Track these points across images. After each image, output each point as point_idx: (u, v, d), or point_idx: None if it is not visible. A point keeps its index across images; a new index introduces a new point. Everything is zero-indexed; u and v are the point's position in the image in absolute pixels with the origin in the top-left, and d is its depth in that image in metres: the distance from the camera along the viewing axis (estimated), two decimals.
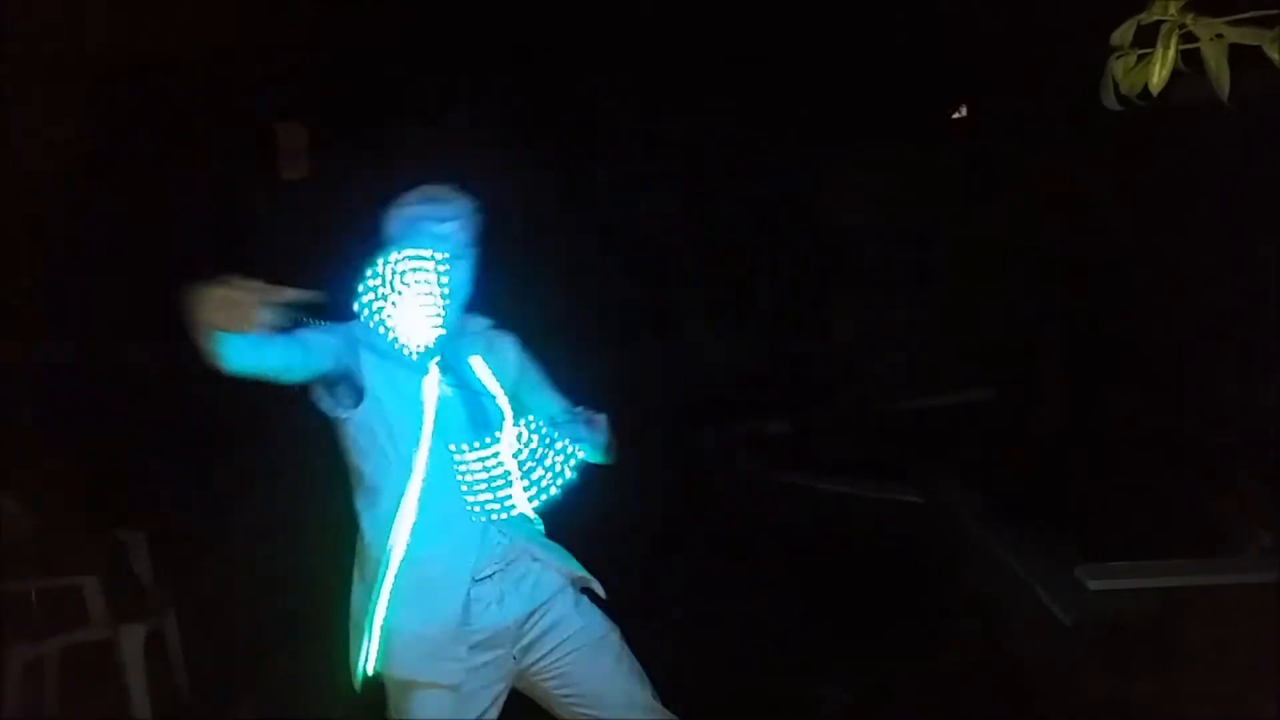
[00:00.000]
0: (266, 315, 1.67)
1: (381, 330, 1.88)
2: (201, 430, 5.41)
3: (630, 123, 6.49)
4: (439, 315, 1.89)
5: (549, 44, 6.21)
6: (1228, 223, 4.28)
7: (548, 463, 1.84)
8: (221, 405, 5.65)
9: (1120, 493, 4.20)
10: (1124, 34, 1.29)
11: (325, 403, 1.91)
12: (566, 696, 2.01)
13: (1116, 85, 1.32)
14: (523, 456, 1.85)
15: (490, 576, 1.95)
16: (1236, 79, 1.25)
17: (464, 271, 1.95)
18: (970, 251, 6.78)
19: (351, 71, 6.05)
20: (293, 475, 5.25)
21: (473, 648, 1.93)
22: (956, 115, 6.95)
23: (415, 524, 1.88)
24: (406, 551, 1.89)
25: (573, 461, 1.86)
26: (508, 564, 1.98)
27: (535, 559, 2.01)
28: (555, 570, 2.03)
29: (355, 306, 1.90)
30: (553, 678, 2.01)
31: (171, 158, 5.54)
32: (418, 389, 1.90)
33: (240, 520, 4.95)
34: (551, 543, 2.08)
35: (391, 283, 1.86)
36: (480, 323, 2.11)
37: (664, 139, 6.58)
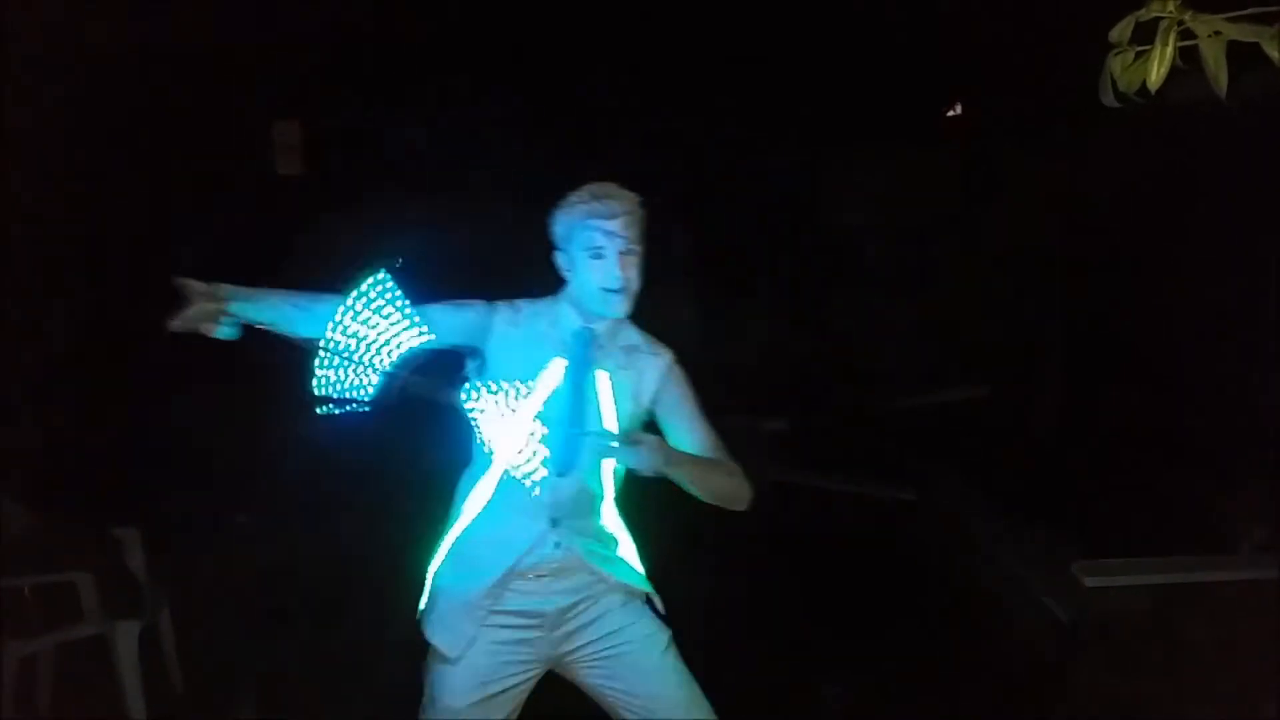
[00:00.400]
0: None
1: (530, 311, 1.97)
2: (197, 427, 5.40)
3: (628, 121, 6.48)
4: (620, 294, 1.93)
5: (549, 42, 6.21)
6: (1227, 221, 4.27)
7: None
8: (220, 402, 5.67)
9: (1117, 490, 4.20)
10: (1122, 31, 1.28)
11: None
12: (611, 692, 2.04)
13: (1115, 82, 1.31)
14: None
15: (536, 577, 1.99)
16: (1235, 76, 1.25)
17: (634, 267, 1.96)
18: (969, 250, 6.78)
19: (349, 69, 6.04)
20: (292, 473, 5.26)
21: (490, 625, 1.97)
22: (952, 113, 6.95)
23: (493, 500, 1.95)
24: (475, 520, 1.97)
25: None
26: (559, 572, 2.00)
27: (592, 574, 2.03)
28: (612, 584, 2.06)
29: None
30: (596, 670, 2.04)
31: (168, 155, 5.54)
32: (531, 368, 1.93)
33: (235, 517, 4.96)
34: (618, 559, 2.09)
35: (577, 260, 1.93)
36: (632, 336, 2.07)
37: (662, 137, 6.57)
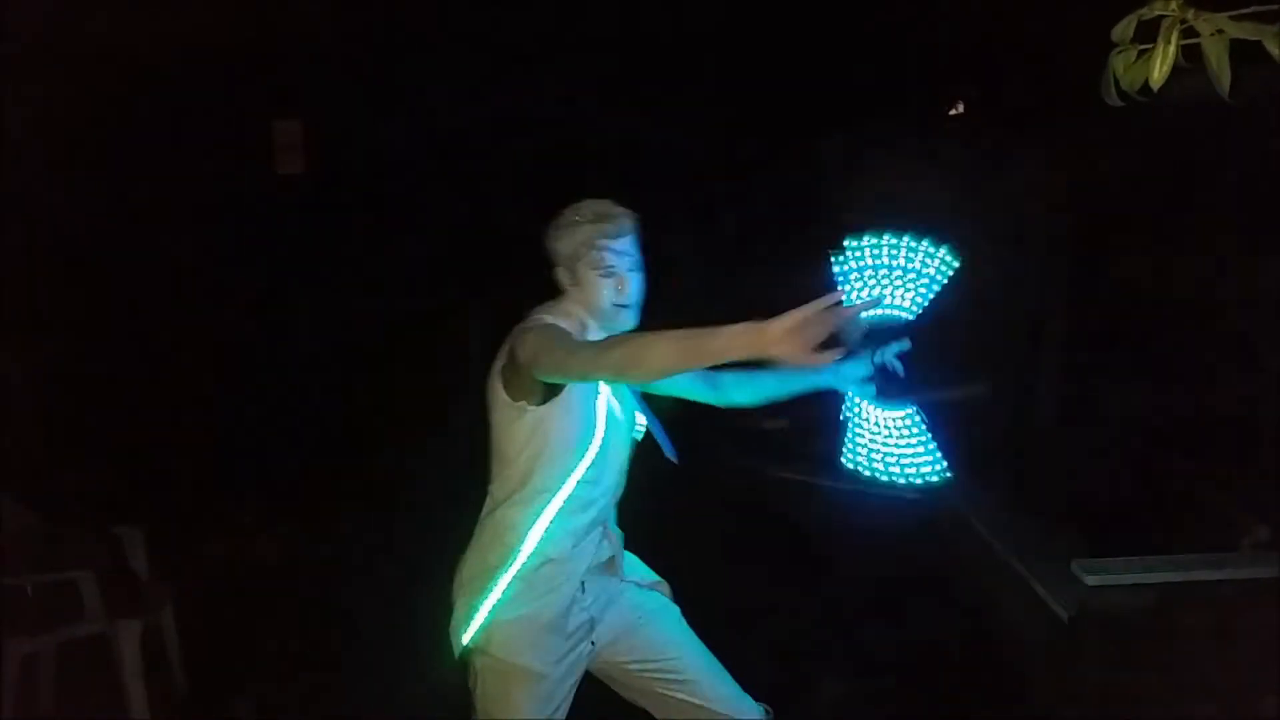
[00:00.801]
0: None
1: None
2: (199, 425, 5.41)
3: (626, 120, 6.49)
4: (632, 309, 2.00)
5: (548, 42, 6.21)
6: (1229, 219, 4.28)
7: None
8: (219, 401, 5.68)
9: (1117, 488, 4.20)
10: (1125, 29, 1.29)
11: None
12: (638, 668, 2.12)
13: (1117, 81, 1.32)
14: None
15: (586, 585, 2.05)
16: (1237, 74, 1.25)
17: (639, 284, 2.02)
18: (968, 246, 6.78)
19: (348, 68, 6.04)
20: (291, 472, 5.27)
21: (566, 639, 2.02)
22: (954, 111, 6.95)
23: (554, 525, 1.96)
24: (539, 547, 1.96)
25: None
26: (599, 571, 2.08)
27: (614, 566, 2.13)
28: (627, 578, 2.16)
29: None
30: (620, 650, 2.11)
31: (168, 153, 5.54)
32: (593, 392, 1.98)
33: (238, 515, 4.96)
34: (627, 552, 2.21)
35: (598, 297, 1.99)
36: None
37: (662, 136, 6.58)
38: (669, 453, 2.08)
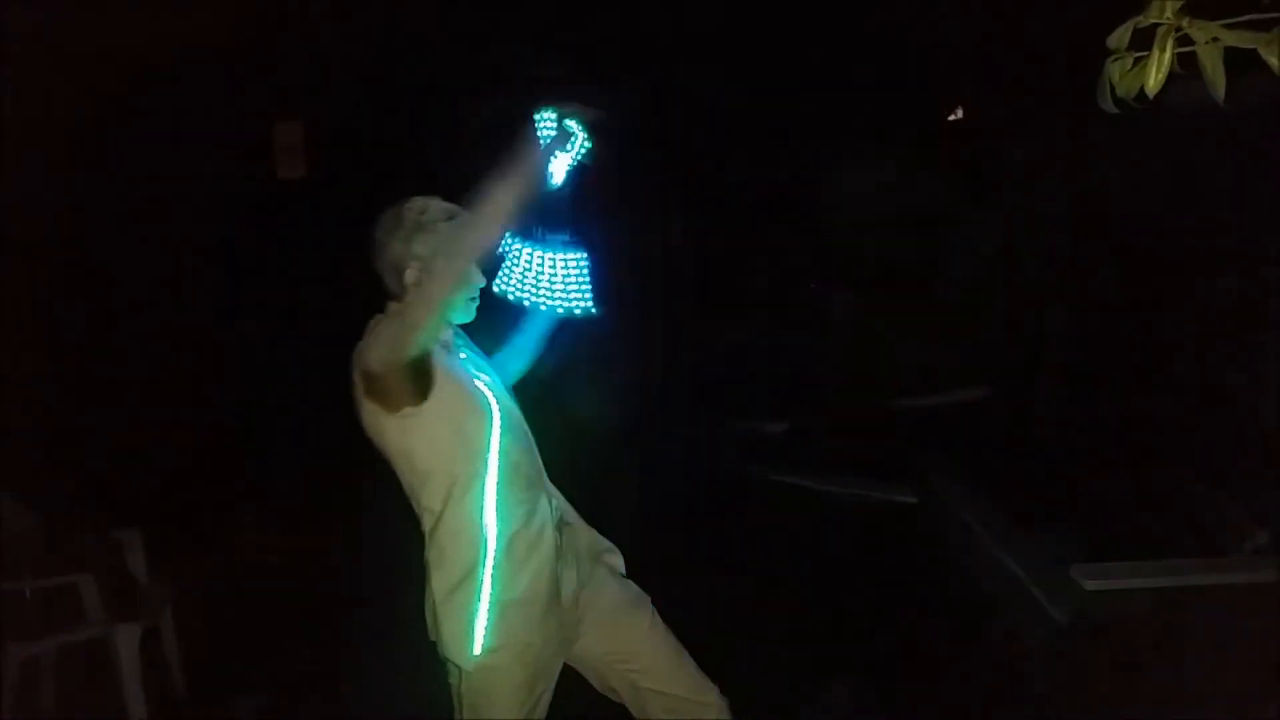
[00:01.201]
0: None
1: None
2: (199, 428, 5.41)
3: (625, 119, 6.49)
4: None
5: (546, 43, 6.21)
6: (1226, 223, 4.28)
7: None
8: (219, 403, 5.68)
9: (1116, 493, 4.20)
10: (1120, 37, 1.29)
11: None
12: (612, 659, 2.16)
13: (1113, 88, 1.32)
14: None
15: (560, 537, 2.07)
16: (1233, 81, 1.25)
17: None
18: (969, 250, 6.79)
19: (349, 70, 6.05)
20: (291, 475, 5.27)
21: (563, 611, 2.05)
22: (953, 117, 6.96)
23: (500, 500, 1.96)
24: (499, 527, 1.95)
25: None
26: (565, 529, 2.10)
27: (569, 523, 2.14)
28: (584, 540, 2.17)
29: None
30: (598, 640, 2.14)
31: (169, 155, 5.55)
32: (468, 373, 2.00)
33: (237, 518, 4.96)
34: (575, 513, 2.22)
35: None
36: None
37: (661, 135, 6.58)
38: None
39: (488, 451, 1.94)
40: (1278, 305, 4.00)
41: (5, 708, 2.96)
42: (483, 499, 1.94)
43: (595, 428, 5.07)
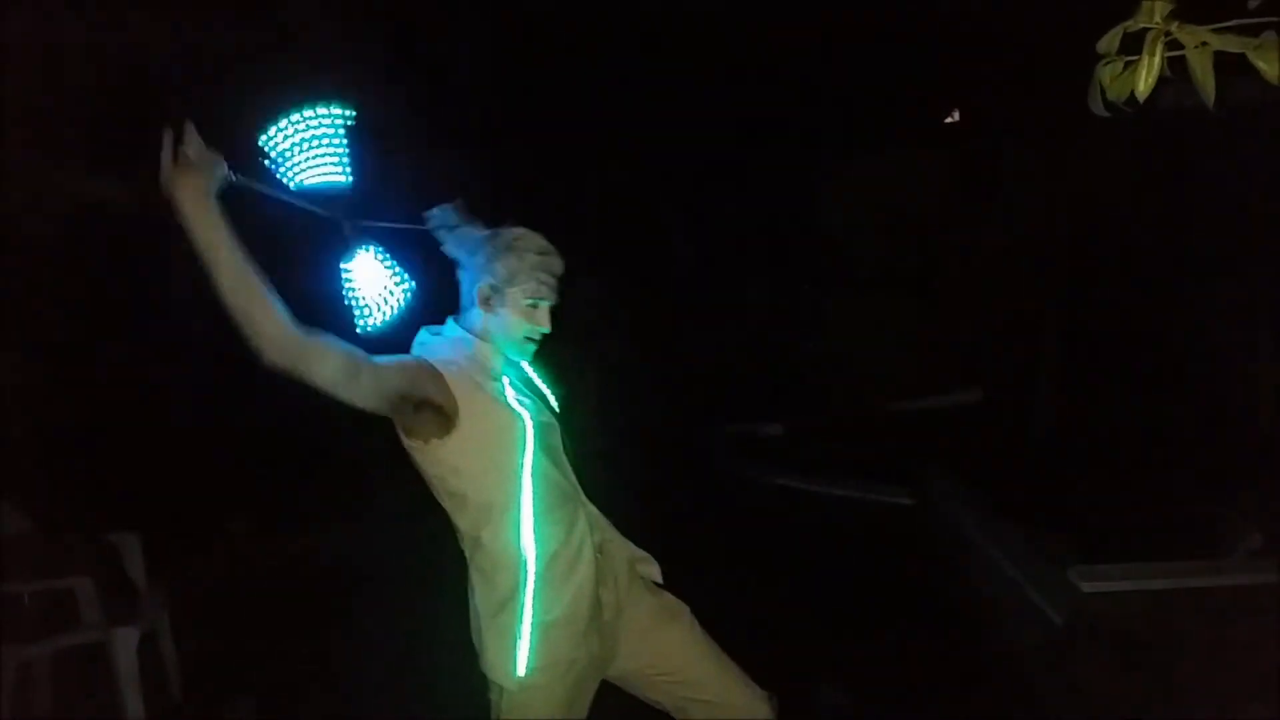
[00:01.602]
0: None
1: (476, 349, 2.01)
2: (196, 433, 5.40)
3: (625, 125, 6.51)
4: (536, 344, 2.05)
5: (547, 45, 6.23)
6: (1223, 227, 4.30)
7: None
8: (216, 408, 5.67)
9: (1113, 495, 4.21)
10: (1110, 42, 1.30)
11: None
12: (654, 673, 2.14)
13: (1104, 91, 1.33)
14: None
15: (601, 552, 2.06)
16: (1222, 85, 1.26)
17: (548, 324, 2.07)
18: (965, 253, 6.80)
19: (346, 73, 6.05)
20: (288, 476, 5.27)
21: (600, 628, 2.04)
22: (949, 120, 6.98)
23: (538, 523, 1.95)
24: (538, 549, 1.95)
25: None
26: (605, 545, 2.09)
27: (608, 539, 2.13)
28: (621, 555, 2.15)
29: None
30: (636, 655, 2.12)
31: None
32: (503, 398, 1.97)
33: (235, 523, 4.96)
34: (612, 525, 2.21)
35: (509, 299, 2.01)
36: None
37: (659, 141, 6.60)
38: None
39: (520, 474, 1.94)
40: (1272, 308, 4.02)
41: (3, 711, 2.96)
42: (519, 522, 1.94)
43: (596, 430, 5.07)
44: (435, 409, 1.87)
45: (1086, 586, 3.24)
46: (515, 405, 1.97)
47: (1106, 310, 5.28)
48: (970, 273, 6.70)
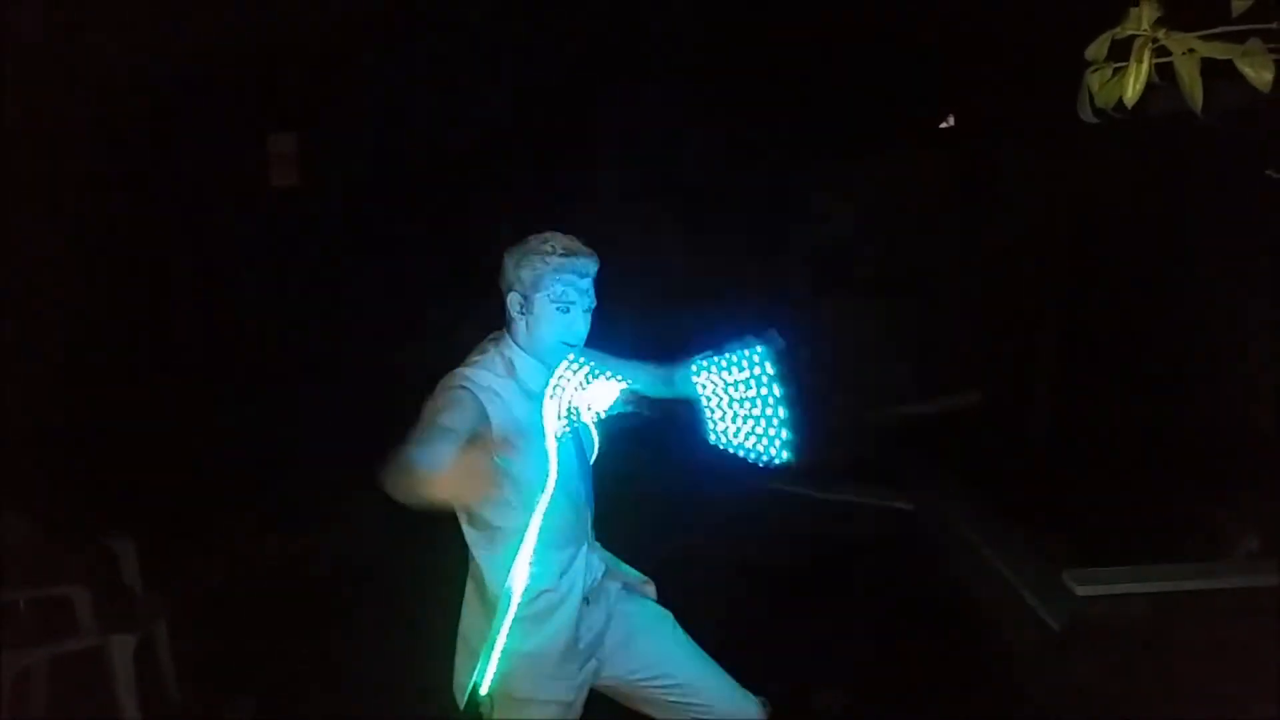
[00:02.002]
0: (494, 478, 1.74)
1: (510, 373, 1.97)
2: (192, 438, 5.40)
3: (623, 125, 6.51)
4: (575, 349, 2.00)
5: (546, 48, 6.23)
6: (1218, 229, 4.30)
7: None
8: (211, 413, 5.67)
9: (1109, 498, 4.21)
10: (1098, 49, 1.30)
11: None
12: (640, 679, 2.13)
13: (1092, 98, 1.33)
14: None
15: (589, 598, 2.06)
16: (1210, 90, 1.26)
17: (587, 326, 2.02)
18: (962, 258, 6.81)
19: (341, 80, 6.07)
20: (285, 485, 5.27)
21: (579, 662, 2.04)
22: (944, 125, 6.98)
23: (536, 558, 1.95)
24: (530, 583, 1.96)
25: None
26: (601, 583, 2.10)
27: (611, 575, 2.15)
28: (615, 586, 2.16)
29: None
30: (620, 664, 2.11)
31: (163, 165, 5.56)
32: (539, 430, 1.95)
33: (231, 529, 4.96)
34: (612, 555, 2.22)
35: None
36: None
37: (656, 142, 6.59)
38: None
39: (532, 508, 1.94)
40: (1268, 310, 4.02)
41: (1, 717, 2.96)
42: (513, 555, 1.94)
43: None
44: (478, 437, 1.86)
45: (1081, 589, 3.25)
46: (549, 442, 1.95)
47: (1105, 312, 5.28)
48: (969, 275, 6.70)
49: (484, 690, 1.96)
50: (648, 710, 2.19)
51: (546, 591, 1.98)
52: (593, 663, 2.09)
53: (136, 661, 3.15)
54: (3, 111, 4.14)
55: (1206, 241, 4.35)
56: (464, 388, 1.90)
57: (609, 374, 2.01)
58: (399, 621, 3.75)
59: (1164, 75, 1.28)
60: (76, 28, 4.53)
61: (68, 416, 4.73)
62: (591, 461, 2.10)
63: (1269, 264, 3.92)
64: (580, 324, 1.98)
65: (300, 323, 6.06)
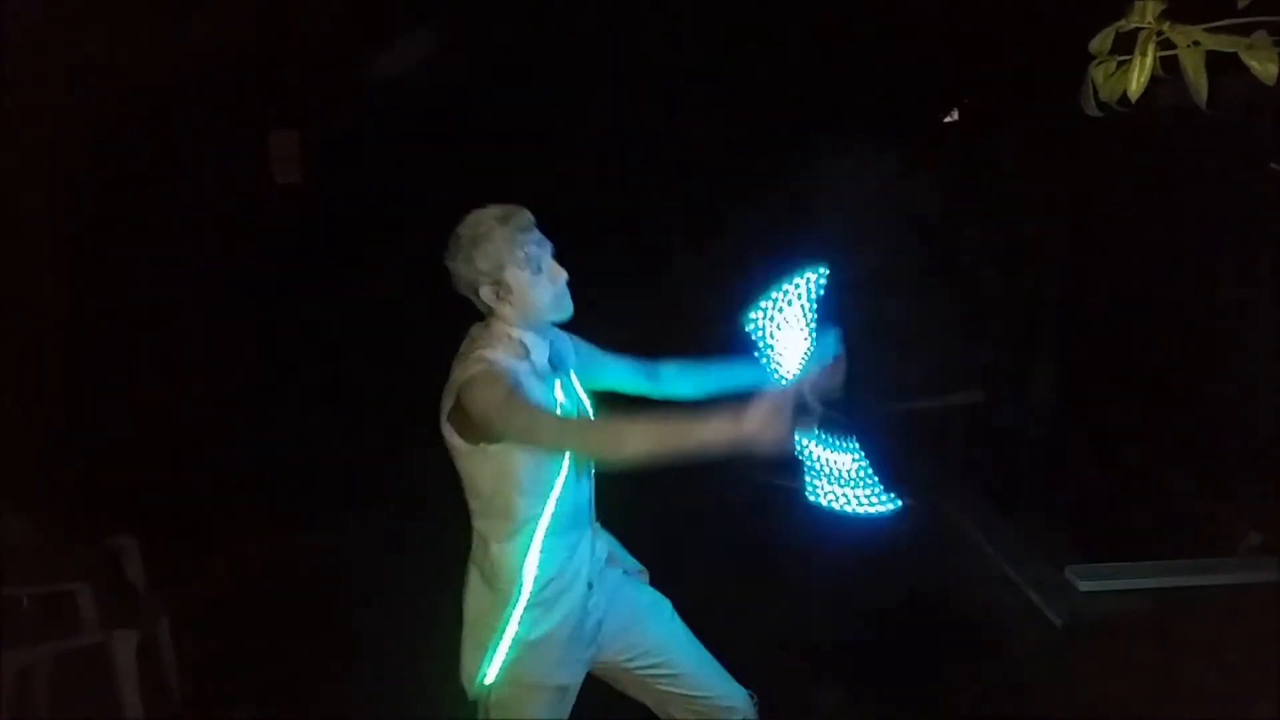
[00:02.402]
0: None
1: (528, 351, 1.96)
2: (195, 435, 5.41)
3: (623, 119, 6.50)
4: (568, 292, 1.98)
5: (544, 49, 6.23)
6: (1221, 225, 4.30)
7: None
8: (214, 410, 5.68)
9: (1110, 494, 4.21)
10: (1102, 42, 1.30)
11: None
12: (635, 664, 2.14)
13: (1096, 91, 1.33)
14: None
15: (593, 583, 2.07)
16: (1215, 84, 1.26)
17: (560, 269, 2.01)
18: (965, 252, 6.80)
19: (343, 78, 6.07)
20: (288, 482, 5.27)
21: (584, 646, 2.06)
22: (948, 119, 6.97)
23: (546, 545, 1.96)
24: (539, 572, 1.97)
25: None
26: (603, 568, 2.11)
27: (613, 560, 2.16)
28: (615, 571, 2.17)
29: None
30: (619, 649, 2.13)
31: (165, 162, 5.56)
32: (552, 408, 1.95)
33: (234, 526, 4.96)
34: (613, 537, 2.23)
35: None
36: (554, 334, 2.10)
37: (656, 136, 6.59)
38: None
39: (548, 495, 1.95)
40: (1270, 306, 4.01)
41: (3, 715, 2.96)
42: (530, 542, 1.96)
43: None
44: None
45: (1083, 585, 3.25)
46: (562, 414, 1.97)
47: (1108, 307, 5.28)
48: (970, 272, 6.70)
49: (490, 677, 1.97)
50: (634, 693, 2.21)
51: (555, 578, 1.99)
52: (594, 647, 2.10)
53: (139, 659, 3.15)
54: (2, 111, 4.14)
55: (1210, 236, 4.34)
56: (510, 371, 1.89)
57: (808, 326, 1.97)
58: (399, 621, 3.76)
59: (1169, 69, 1.28)
60: (76, 27, 4.53)
61: (69, 415, 4.74)
62: None
63: (1273, 258, 3.92)
64: (558, 271, 1.96)
65: (303, 321, 6.06)
